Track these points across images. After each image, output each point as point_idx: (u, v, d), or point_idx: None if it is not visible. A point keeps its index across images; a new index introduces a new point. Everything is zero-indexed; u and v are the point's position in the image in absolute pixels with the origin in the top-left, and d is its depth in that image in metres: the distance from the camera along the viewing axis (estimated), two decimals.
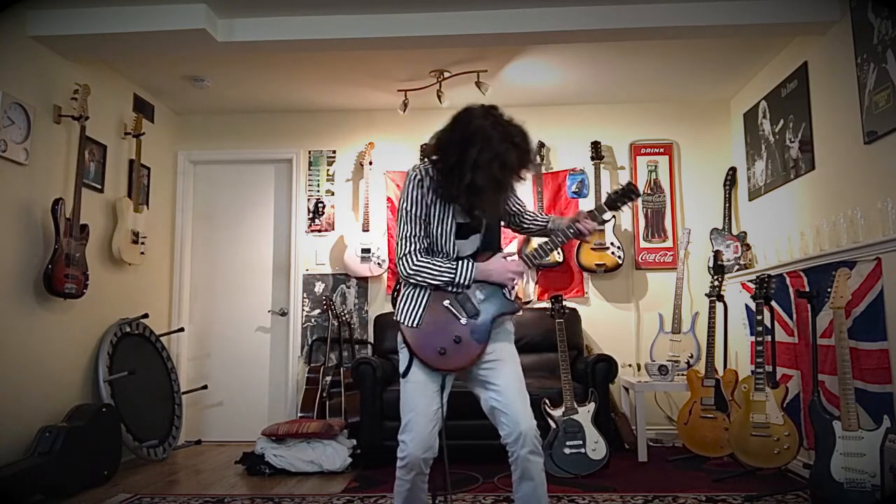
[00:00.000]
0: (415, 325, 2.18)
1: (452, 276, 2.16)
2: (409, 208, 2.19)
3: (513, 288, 2.23)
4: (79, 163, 3.98)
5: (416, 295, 2.21)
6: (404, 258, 2.19)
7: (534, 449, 2.10)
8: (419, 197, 2.17)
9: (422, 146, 2.23)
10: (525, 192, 5.12)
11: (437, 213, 2.19)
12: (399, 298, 2.26)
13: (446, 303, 2.19)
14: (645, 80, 4.85)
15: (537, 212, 2.47)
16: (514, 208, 2.40)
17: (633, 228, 5.19)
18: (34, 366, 3.75)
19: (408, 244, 2.18)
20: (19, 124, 3.65)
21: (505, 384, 2.16)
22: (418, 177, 2.19)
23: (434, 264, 2.17)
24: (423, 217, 2.18)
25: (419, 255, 2.18)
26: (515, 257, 2.23)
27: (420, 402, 2.16)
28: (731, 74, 4.74)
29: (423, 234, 2.19)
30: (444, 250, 2.21)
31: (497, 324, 2.24)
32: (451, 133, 2.12)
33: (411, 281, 2.20)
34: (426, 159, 2.23)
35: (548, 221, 2.41)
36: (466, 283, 2.17)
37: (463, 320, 2.17)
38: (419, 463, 2.14)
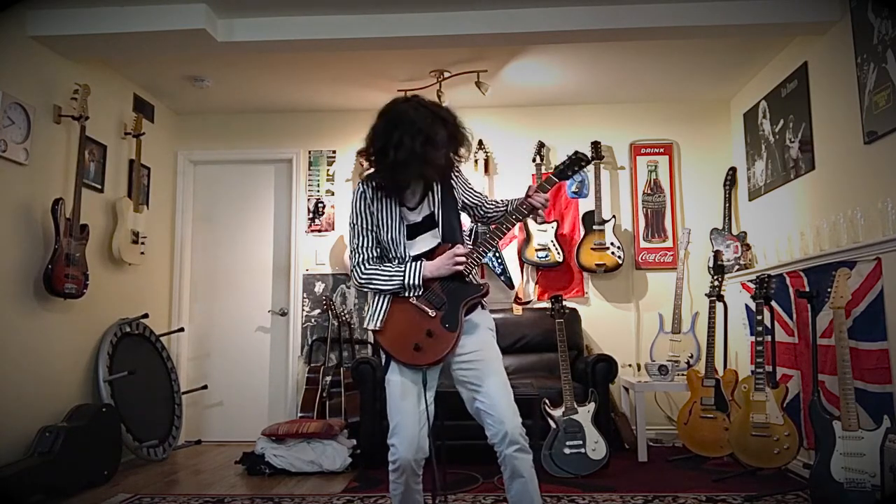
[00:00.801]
0: (377, 329, 2.23)
1: (401, 279, 2.20)
2: (354, 221, 2.29)
3: (469, 272, 2.23)
4: (79, 163, 3.98)
5: (379, 300, 2.26)
6: (355, 269, 2.27)
7: (520, 446, 2.12)
8: (363, 208, 2.27)
9: (357, 151, 2.33)
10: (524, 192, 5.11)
11: (384, 220, 2.26)
12: (367, 306, 2.28)
13: (413, 300, 2.21)
14: (645, 80, 4.85)
15: (498, 201, 2.51)
16: (471, 200, 2.44)
17: (633, 228, 5.19)
18: (34, 366, 3.75)
19: (356, 255, 2.28)
20: (19, 124, 3.65)
21: (487, 384, 2.17)
22: (360, 189, 2.29)
23: (383, 271, 2.23)
24: (369, 227, 2.27)
25: (368, 264, 2.26)
26: (459, 247, 2.23)
27: (404, 404, 2.18)
28: (731, 74, 4.74)
29: (372, 243, 2.27)
30: (397, 254, 2.26)
31: (473, 316, 2.26)
32: (376, 123, 2.24)
33: (366, 289, 2.27)
34: (362, 163, 2.31)
35: (508, 205, 2.46)
36: (416, 283, 2.19)
37: (432, 313, 2.19)
38: (410, 465, 2.15)
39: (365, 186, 2.29)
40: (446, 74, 4.59)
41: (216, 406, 5.24)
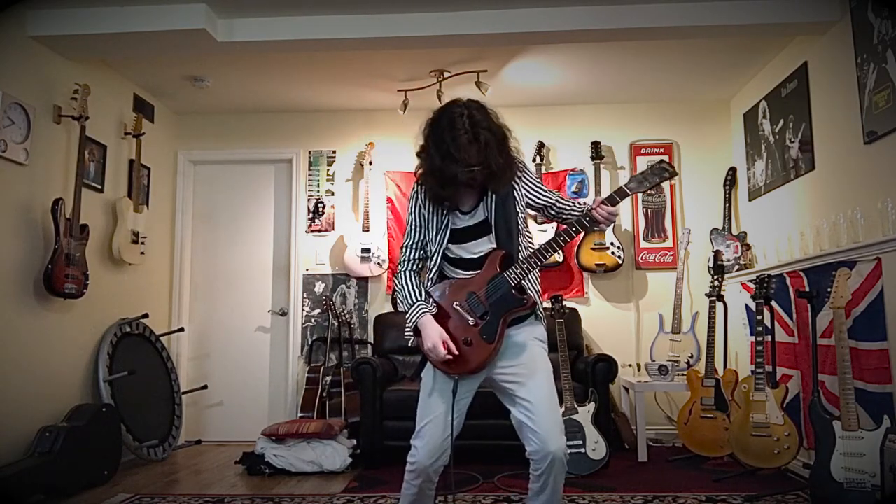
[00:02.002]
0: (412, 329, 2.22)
1: (407, 310, 2.24)
2: (407, 221, 2.33)
3: (518, 283, 2.14)
4: (79, 163, 3.98)
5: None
6: (399, 269, 2.33)
7: (562, 468, 2.07)
8: (415, 212, 2.29)
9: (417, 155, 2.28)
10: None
11: (432, 222, 2.26)
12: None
13: (456, 305, 2.17)
14: (645, 80, 4.85)
15: (575, 203, 2.37)
16: (540, 201, 2.30)
17: (633, 228, 5.19)
18: (34, 366, 3.75)
19: (401, 255, 2.33)
20: (19, 124, 3.65)
21: (536, 399, 2.10)
22: (414, 190, 2.30)
23: (405, 291, 2.26)
24: (418, 230, 2.29)
25: (409, 270, 2.30)
26: (447, 343, 2.12)
27: (434, 408, 2.16)
28: (731, 74, 4.74)
29: (418, 244, 2.30)
30: (435, 258, 2.26)
31: (524, 328, 2.21)
32: (423, 140, 2.22)
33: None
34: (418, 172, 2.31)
35: (583, 209, 2.28)
36: (409, 325, 2.22)
37: (471, 321, 2.15)
38: (427, 471, 2.14)
39: (419, 187, 2.28)
40: (446, 74, 4.59)
41: (216, 406, 5.24)
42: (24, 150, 3.68)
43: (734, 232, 4.96)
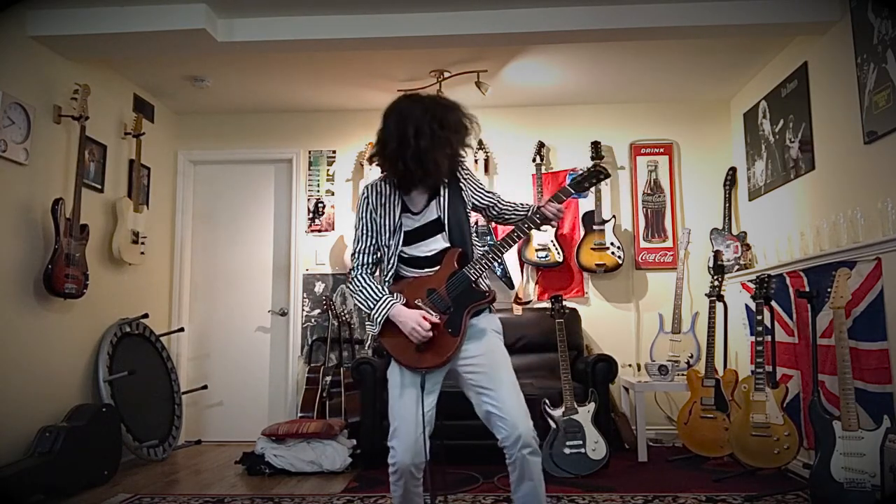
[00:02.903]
0: (377, 334, 2.24)
1: (371, 307, 2.23)
2: (356, 226, 2.34)
3: (477, 278, 2.23)
4: (79, 163, 3.98)
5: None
6: (352, 272, 2.32)
7: (533, 450, 2.10)
8: (366, 213, 2.31)
9: (367, 158, 2.35)
10: (525, 192, 5.12)
11: (385, 225, 2.28)
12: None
13: (418, 302, 2.21)
14: (645, 80, 4.85)
15: (518, 204, 2.48)
16: (483, 201, 2.42)
17: (633, 228, 5.19)
18: (34, 366, 3.75)
19: (354, 260, 2.32)
20: (19, 124, 3.65)
21: (498, 387, 2.16)
22: (364, 194, 2.34)
23: (366, 290, 2.25)
24: (370, 232, 2.30)
25: (363, 271, 2.29)
26: (426, 315, 2.17)
27: (404, 406, 2.18)
28: (731, 74, 4.74)
29: (370, 249, 2.30)
30: (389, 260, 2.28)
31: (480, 320, 2.26)
32: (384, 125, 2.25)
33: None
34: (371, 164, 2.37)
35: (528, 210, 2.41)
36: (379, 319, 2.21)
37: (436, 317, 2.19)
38: (409, 469, 2.15)
39: (369, 192, 2.32)
40: (446, 74, 4.59)
41: (216, 406, 5.24)
42: (24, 150, 3.68)
43: (734, 232, 4.96)
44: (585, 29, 3.79)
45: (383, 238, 2.28)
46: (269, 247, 5.39)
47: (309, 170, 5.37)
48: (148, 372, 4.57)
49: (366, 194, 2.33)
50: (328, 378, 4.73)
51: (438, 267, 2.26)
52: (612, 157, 5.25)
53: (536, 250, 4.99)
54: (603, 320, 5.09)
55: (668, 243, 5.15)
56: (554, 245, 4.99)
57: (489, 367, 2.20)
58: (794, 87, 4.17)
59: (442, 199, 2.30)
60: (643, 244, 5.16)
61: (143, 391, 4.43)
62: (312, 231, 5.31)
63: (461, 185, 2.36)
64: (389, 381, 2.25)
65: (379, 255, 2.31)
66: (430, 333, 2.16)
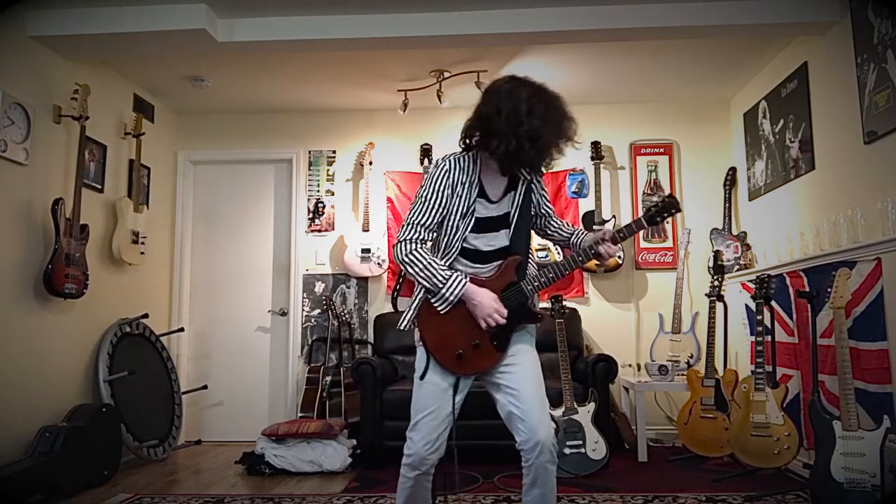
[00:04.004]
0: (416, 326, 2.16)
1: (442, 284, 2.08)
2: (428, 196, 2.12)
3: (531, 297, 2.16)
4: (79, 163, 3.98)
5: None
6: (403, 242, 2.12)
7: (550, 458, 2.06)
8: (443, 186, 2.12)
9: (463, 132, 2.17)
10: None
11: (459, 205, 2.12)
12: (413, 297, 2.21)
13: (470, 306, 2.13)
14: (645, 80, 4.85)
15: (566, 223, 2.39)
16: (542, 209, 2.32)
17: None
18: (34, 366, 3.75)
19: (412, 230, 2.12)
20: (19, 124, 3.65)
21: (524, 389, 2.10)
22: (446, 167, 2.13)
23: (431, 263, 2.09)
24: (440, 207, 2.12)
25: (419, 245, 2.11)
26: (499, 306, 2.10)
27: (432, 403, 2.14)
28: (731, 74, 4.74)
29: (433, 224, 2.13)
30: (450, 245, 2.15)
31: (518, 328, 2.20)
32: (489, 100, 2.10)
33: (403, 267, 2.13)
34: (466, 141, 2.18)
35: (572, 234, 2.31)
36: (451, 298, 2.09)
37: (484, 325, 2.12)
38: (424, 461, 2.13)
39: (452, 164, 2.13)
40: (446, 74, 4.59)
41: (216, 406, 5.24)
42: (24, 150, 3.68)
43: (734, 232, 4.96)
44: (585, 29, 3.79)
45: (453, 218, 2.12)
46: (269, 247, 5.39)
47: (309, 170, 5.37)
48: (148, 372, 4.56)
49: (448, 166, 2.13)
50: (328, 378, 4.73)
51: (493, 267, 2.17)
52: (612, 157, 5.25)
53: (536, 250, 4.99)
54: (603, 320, 5.08)
55: (668, 243, 5.15)
56: (554, 245, 5.00)
57: (519, 369, 2.14)
58: (794, 87, 4.17)
59: (518, 194, 2.19)
60: (643, 244, 5.16)
61: (143, 391, 4.43)
62: (312, 231, 5.31)
63: (534, 185, 2.26)
64: (417, 371, 2.19)
65: (435, 234, 2.16)
66: (505, 321, 2.10)
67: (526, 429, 2.05)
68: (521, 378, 2.12)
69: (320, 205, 5.33)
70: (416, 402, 2.18)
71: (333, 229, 5.30)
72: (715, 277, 4.37)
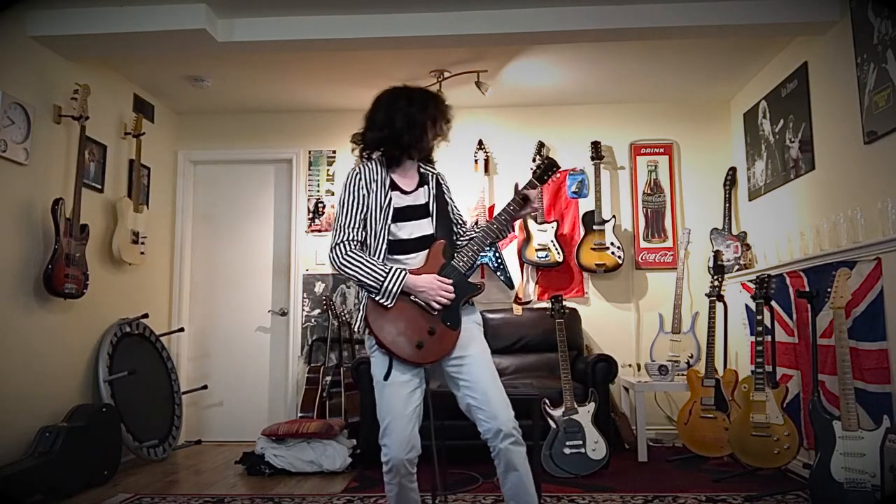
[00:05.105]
0: (366, 330, 2.22)
1: (381, 281, 2.16)
2: (346, 199, 2.28)
3: (466, 269, 2.27)
4: (79, 163, 3.98)
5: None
6: (336, 247, 2.24)
7: (515, 440, 2.11)
8: (356, 188, 2.27)
9: (351, 140, 2.47)
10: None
11: (375, 202, 2.26)
12: (356, 303, 2.27)
13: (413, 296, 2.20)
14: (645, 80, 4.85)
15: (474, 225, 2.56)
16: (453, 214, 2.45)
17: (633, 228, 5.19)
18: (34, 366, 3.75)
19: (342, 233, 2.24)
20: (19, 124, 3.65)
21: (477, 379, 2.17)
22: (356, 171, 2.31)
23: (367, 263, 2.19)
24: (360, 208, 2.26)
25: (352, 247, 2.23)
26: (442, 282, 2.20)
27: (397, 403, 2.16)
28: (731, 74, 4.74)
29: (358, 225, 2.26)
30: (377, 240, 2.25)
31: (465, 311, 2.27)
32: (371, 109, 2.40)
33: (342, 273, 2.25)
34: (357, 147, 2.40)
35: (482, 229, 2.39)
36: (394, 290, 2.15)
37: (436, 306, 2.19)
38: (403, 464, 2.16)
39: (361, 168, 2.31)
40: (446, 74, 4.59)
41: (216, 406, 5.24)
42: (24, 150, 3.68)
43: (734, 232, 4.96)
44: (585, 29, 3.79)
45: (374, 214, 2.25)
46: (269, 247, 5.39)
47: (309, 170, 5.37)
48: (148, 372, 4.57)
49: (357, 170, 2.32)
50: (328, 378, 4.73)
51: (424, 255, 2.26)
52: (612, 157, 5.25)
53: (536, 250, 4.99)
54: (603, 320, 5.09)
55: (668, 243, 5.15)
56: (554, 245, 4.99)
57: (470, 360, 2.20)
58: (794, 87, 4.17)
59: (430, 188, 2.36)
60: (643, 244, 5.16)
61: (143, 391, 4.43)
62: (312, 231, 5.31)
63: (444, 188, 2.43)
64: (375, 376, 2.22)
65: (365, 233, 2.27)
66: (454, 295, 2.19)
67: (486, 417, 2.12)
68: (474, 369, 2.19)
69: (320, 205, 5.33)
70: (382, 406, 2.19)
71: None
72: (715, 277, 4.37)
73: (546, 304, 4.68)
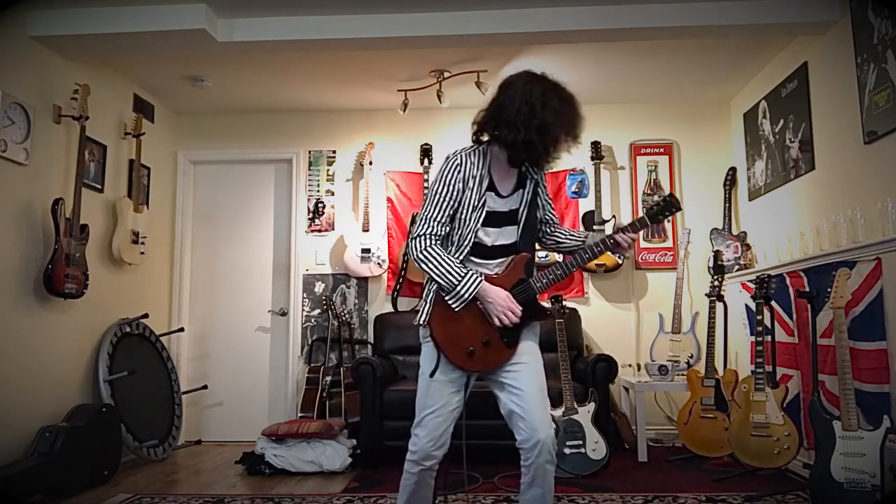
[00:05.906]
0: (426, 323, 2.16)
1: (457, 282, 2.10)
2: (439, 190, 2.15)
3: (536, 294, 2.19)
4: (79, 163, 3.98)
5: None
6: (419, 238, 2.15)
7: (550, 458, 2.07)
8: (454, 180, 2.14)
9: (474, 122, 2.22)
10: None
11: (469, 198, 2.14)
12: (425, 293, 2.22)
13: (479, 302, 2.14)
14: (645, 80, 4.85)
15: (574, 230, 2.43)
16: (546, 214, 2.36)
17: None
18: (34, 366, 3.75)
19: (425, 225, 2.15)
20: (19, 124, 3.65)
21: (527, 389, 2.11)
22: (457, 161, 2.16)
23: (445, 261, 2.11)
24: (451, 201, 2.14)
25: (433, 241, 2.14)
26: (512, 302, 2.12)
27: (438, 400, 2.15)
28: (731, 74, 4.74)
29: (445, 219, 2.15)
30: (462, 239, 2.16)
31: (527, 325, 2.21)
32: (505, 91, 2.14)
33: (417, 264, 2.16)
34: (477, 134, 2.21)
35: (587, 237, 2.32)
36: (466, 296, 2.11)
37: (497, 322, 2.13)
38: (430, 457, 2.14)
39: (463, 159, 2.16)
40: (446, 74, 4.60)
41: (216, 406, 5.24)
42: (24, 150, 3.68)
43: (734, 232, 4.96)
44: (586, 29, 3.79)
45: (465, 213, 2.14)
46: (269, 247, 5.39)
47: (309, 170, 5.37)
48: (148, 372, 4.57)
49: (459, 160, 2.15)
50: (328, 378, 4.73)
51: (500, 263, 2.19)
52: (612, 157, 5.25)
53: (536, 251, 4.98)
54: (603, 320, 5.09)
55: (668, 243, 5.15)
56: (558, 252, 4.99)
57: (524, 368, 2.15)
58: (794, 87, 4.17)
59: (526, 192, 2.23)
60: (643, 244, 5.16)
61: (143, 391, 4.43)
62: (312, 231, 5.31)
63: (540, 189, 2.31)
64: (423, 368, 2.19)
65: (448, 229, 2.17)
66: (518, 320, 2.12)
67: (527, 428, 2.07)
68: (525, 378, 2.14)
69: (320, 205, 5.33)
70: (422, 398, 2.19)
71: (333, 229, 5.30)
72: (715, 277, 4.37)
73: (546, 304, 4.68)
